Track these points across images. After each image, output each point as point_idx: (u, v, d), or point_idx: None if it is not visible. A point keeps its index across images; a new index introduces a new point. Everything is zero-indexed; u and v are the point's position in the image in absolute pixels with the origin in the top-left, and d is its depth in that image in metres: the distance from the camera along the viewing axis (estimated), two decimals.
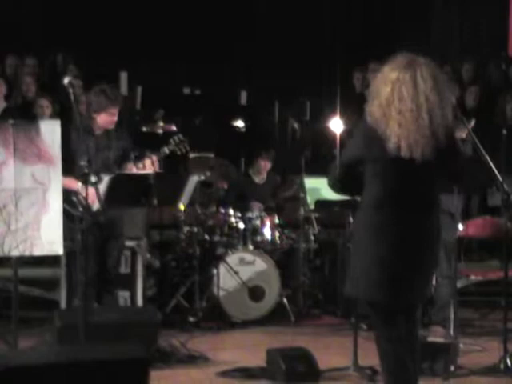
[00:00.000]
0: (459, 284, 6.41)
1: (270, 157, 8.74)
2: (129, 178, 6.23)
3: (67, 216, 5.76)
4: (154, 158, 6.46)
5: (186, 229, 7.74)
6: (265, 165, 8.74)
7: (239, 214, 7.81)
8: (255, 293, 7.44)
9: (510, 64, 10.35)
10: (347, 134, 7.31)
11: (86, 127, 6.41)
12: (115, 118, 6.47)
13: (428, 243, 4.29)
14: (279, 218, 7.97)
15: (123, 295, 6.92)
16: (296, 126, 9.39)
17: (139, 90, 10.64)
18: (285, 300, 7.55)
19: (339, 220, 7.88)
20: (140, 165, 6.41)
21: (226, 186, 8.44)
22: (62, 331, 5.60)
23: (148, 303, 7.11)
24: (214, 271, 7.41)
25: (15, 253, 5.61)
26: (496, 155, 5.72)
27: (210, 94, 11.12)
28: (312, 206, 7.86)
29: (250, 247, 7.67)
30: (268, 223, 7.83)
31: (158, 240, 7.96)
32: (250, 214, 7.83)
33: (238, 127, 9.82)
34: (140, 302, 6.98)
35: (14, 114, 8.29)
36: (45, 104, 8.75)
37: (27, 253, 5.64)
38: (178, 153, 6.67)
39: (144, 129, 7.23)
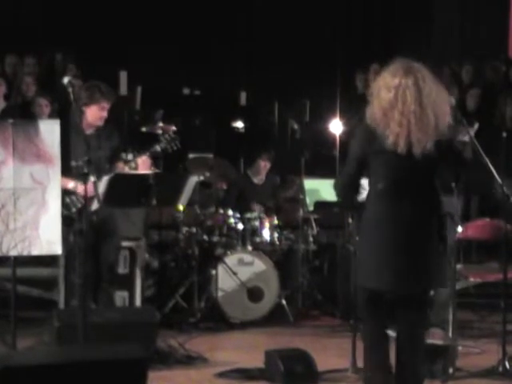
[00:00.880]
0: (458, 286, 6.40)
1: (270, 157, 8.73)
2: (128, 178, 6.22)
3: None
4: (144, 157, 6.41)
5: (184, 229, 7.74)
6: (264, 165, 8.73)
7: (238, 215, 7.81)
8: (254, 293, 7.44)
9: (510, 66, 10.36)
10: (347, 135, 7.31)
11: (75, 127, 6.35)
12: (105, 114, 6.38)
13: (426, 234, 4.44)
14: (278, 219, 7.96)
15: (122, 295, 6.91)
16: (296, 126, 9.39)
17: (139, 90, 10.63)
18: (283, 301, 7.54)
19: (338, 221, 7.89)
20: (133, 164, 6.37)
21: (225, 187, 8.43)
22: (60, 331, 5.59)
23: (146, 303, 7.10)
24: (213, 272, 7.40)
25: (14, 252, 5.60)
26: (495, 157, 5.72)
27: (209, 95, 11.12)
28: (311, 207, 7.87)
29: (249, 248, 7.66)
30: (267, 224, 7.82)
31: (157, 240, 7.95)
32: (249, 215, 7.83)
33: (237, 128, 9.82)
34: (138, 302, 6.97)
35: (13, 114, 8.29)
36: (44, 103, 8.75)
37: (26, 252, 5.63)
38: (170, 151, 6.61)
39: (143, 129, 7.21)
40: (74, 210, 6.11)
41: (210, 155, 8.00)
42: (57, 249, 5.67)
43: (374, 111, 4.42)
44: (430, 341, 6.21)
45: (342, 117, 8.62)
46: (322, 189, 7.79)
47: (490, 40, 11.59)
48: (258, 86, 11.42)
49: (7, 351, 5.66)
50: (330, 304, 7.67)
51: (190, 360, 5.96)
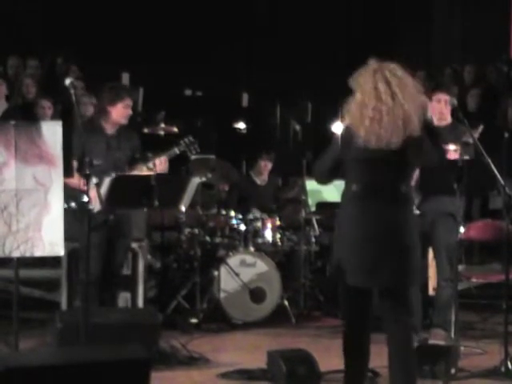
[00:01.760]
0: (460, 287, 6.40)
1: (270, 157, 8.74)
2: (130, 179, 6.23)
3: (75, 215, 5.76)
4: (163, 157, 6.45)
5: (187, 230, 7.75)
6: (265, 165, 8.75)
7: (240, 216, 7.82)
8: (256, 294, 7.44)
9: (511, 66, 10.36)
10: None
11: (97, 127, 6.41)
12: (130, 111, 6.45)
13: (397, 231, 4.52)
14: (280, 220, 7.97)
15: (124, 296, 6.92)
16: (297, 128, 9.38)
17: (141, 91, 10.64)
18: (286, 302, 7.55)
19: None
20: (151, 165, 6.39)
21: (227, 188, 8.44)
22: (62, 332, 5.60)
23: (149, 304, 7.11)
24: (215, 273, 7.41)
25: (16, 254, 5.61)
26: (497, 158, 5.72)
27: (211, 96, 11.12)
28: (313, 208, 7.87)
29: (251, 249, 7.67)
30: (269, 225, 7.83)
31: (159, 241, 7.95)
32: (251, 216, 7.83)
33: (239, 129, 9.81)
34: (141, 303, 6.98)
35: (15, 115, 8.30)
36: (46, 105, 8.76)
37: (28, 254, 5.63)
38: (189, 154, 6.69)
39: (145, 130, 7.22)
40: (91, 207, 6.06)
41: (212, 156, 7.99)
42: (59, 250, 5.68)
43: (351, 110, 4.54)
44: (432, 341, 6.23)
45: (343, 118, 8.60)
46: (323, 190, 7.78)
47: (492, 41, 11.59)
48: (259, 87, 11.42)
49: (10, 352, 5.67)
50: (332, 305, 7.67)
51: (192, 361, 5.96)
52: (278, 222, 7.91)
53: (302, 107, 10.90)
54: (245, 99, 11.51)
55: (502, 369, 5.57)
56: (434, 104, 6.57)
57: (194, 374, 5.73)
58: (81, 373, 4.05)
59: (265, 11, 12.98)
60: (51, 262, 7.00)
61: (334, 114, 8.32)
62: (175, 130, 7.12)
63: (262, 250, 7.71)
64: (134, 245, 6.93)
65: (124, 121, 6.46)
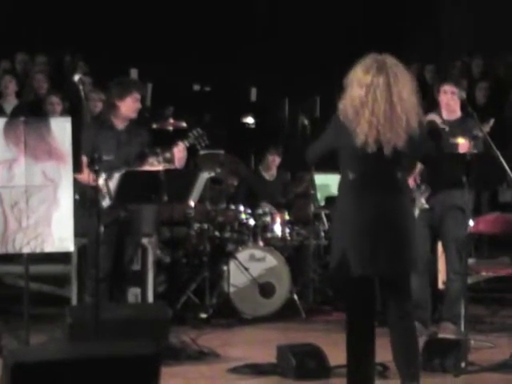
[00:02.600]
0: (470, 280, 6.39)
1: (278, 152, 8.73)
2: (139, 174, 6.24)
3: (85, 210, 5.78)
4: (181, 146, 6.40)
5: (196, 225, 7.76)
6: (273, 159, 8.74)
7: (249, 211, 7.82)
8: (265, 289, 7.45)
9: None
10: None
11: (106, 123, 6.41)
12: (139, 105, 6.43)
13: (395, 219, 4.53)
14: (289, 215, 7.97)
15: (134, 292, 6.93)
16: (306, 122, 9.37)
17: (149, 86, 10.64)
18: (295, 296, 7.55)
19: None
20: (168, 154, 6.35)
21: (236, 183, 8.44)
22: (72, 328, 5.61)
23: (158, 300, 7.12)
24: (225, 268, 7.42)
25: (26, 249, 5.63)
26: (506, 151, 5.71)
27: (220, 91, 11.11)
28: (322, 203, 7.87)
29: (261, 244, 7.67)
30: (278, 220, 7.83)
31: (169, 236, 7.96)
32: (260, 211, 7.83)
33: (248, 124, 9.81)
34: (150, 298, 6.99)
35: (24, 112, 8.32)
36: (55, 101, 8.77)
37: (38, 249, 5.66)
38: (198, 147, 6.66)
39: (154, 126, 7.22)
40: (103, 203, 6.06)
41: (221, 151, 8.00)
42: (69, 246, 5.70)
43: (345, 107, 4.50)
44: (441, 335, 6.22)
45: None
46: (332, 184, 7.77)
47: (500, 35, 11.55)
48: (268, 81, 11.41)
49: (20, 347, 5.69)
50: (340, 299, 7.66)
51: (202, 356, 5.97)
52: (287, 217, 7.91)
53: (310, 102, 10.89)
54: (253, 94, 11.51)
55: None
56: (441, 96, 6.57)
57: (203, 369, 5.73)
58: (91, 368, 4.06)
59: (274, 7, 12.97)
60: (61, 257, 7.02)
61: None
62: (184, 125, 7.12)
63: (271, 244, 7.72)
64: (144, 240, 6.94)
65: (133, 115, 6.45)
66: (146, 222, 6.88)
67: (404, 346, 4.58)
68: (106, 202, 5.96)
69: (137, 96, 6.41)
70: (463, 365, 5.49)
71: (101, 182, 5.46)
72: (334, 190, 7.71)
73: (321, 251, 8.10)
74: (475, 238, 7.17)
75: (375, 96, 4.43)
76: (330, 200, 7.77)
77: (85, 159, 6.05)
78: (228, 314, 7.30)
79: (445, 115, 6.58)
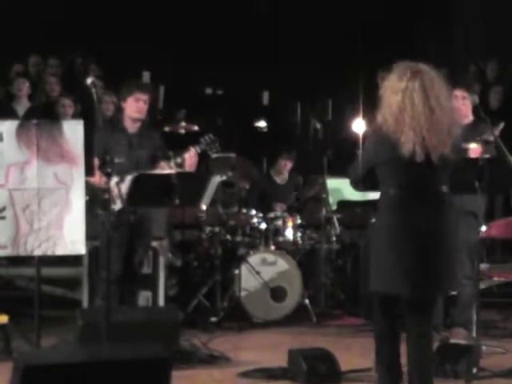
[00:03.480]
0: (482, 285, 6.37)
1: (291, 156, 8.73)
2: (151, 177, 6.24)
3: (94, 213, 5.79)
4: (192, 151, 6.40)
5: (207, 229, 7.76)
6: (285, 164, 8.73)
7: (261, 215, 7.81)
8: (277, 293, 7.44)
9: None
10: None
11: (118, 126, 6.42)
12: (141, 105, 6.41)
13: (440, 238, 4.43)
14: (301, 219, 7.96)
15: (145, 295, 6.93)
16: (318, 126, 9.36)
17: (162, 89, 10.65)
18: (306, 300, 7.54)
19: (361, 220, 7.86)
20: (179, 159, 6.35)
21: (247, 186, 8.43)
22: (83, 330, 5.61)
23: (170, 303, 7.11)
24: (236, 271, 7.41)
25: (38, 252, 5.64)
26: None
27: (232, 94, 11.12)
28: (334, 207, 7.85)
29: (272, 247, 7.66)
30: (290, 223, 7.82)
31: (180, 240, 7.96)
32: (271, 215, 7.82)
33: (260, 127, 9.80)
34: (162, 301, 6.99)
35: (37, 114, 8.34)
36: (67, 103, 8.80)
37: (50, 252, 5.66)
38: (209, 153, 6.65)
39: (166, 128, 7.23)
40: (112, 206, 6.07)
41: (233, 155, 7.99)
42: (80, 248, 5.70)
43: (385, 116, 4.39)
44: (453, 340, 6.20)
45: (364, 116, 8.58)
46: (344, 188, 7.75)
47: None
48: (280, 85, 11.40)
49: (31, 350, 5.70)
50: (353, 304, 7.65)
51: (212, 359, 5.96)
52: (298, 221, 7.90)
53: (322, 105, 10.87)
54: (265, 97, 11.50)
55: None
56: (452, 101, 6.54)
57: (214, 373, 5.73)
58: (101, 371, 4.06)
59: (286, 9, 12.96)
60: (72, 260, 7.03)
61: (355, 111, 8.30)
62: (196, 128, 7.12)
63: (283, 248, 7.71)
64: (155, 243, 6.94)
65: (137, 115, 6.43)
66: (157, 225, 6.88)
67: (420, 364, 4.54)
68: (117, 205, 5.96)
69: (139, 96, 6.39)
70: (475, 370, 5.46)
71: (112, 184, 5.45)
72: (345, 194, 7.74)
73: (332, 255, 8.08)
74: (488, 242, 7.14)
75: (412, 100, 4.34)
76: (341, 204, 7.74)
77: (96, 162, 6.05)
78: (239, 318, 7.29)
79: None
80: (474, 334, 5.68)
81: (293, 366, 5.54)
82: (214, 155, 7.12)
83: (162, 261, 7.04)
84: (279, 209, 8.27)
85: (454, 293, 6.80)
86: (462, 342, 6.07)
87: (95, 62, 10.73)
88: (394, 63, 4.49)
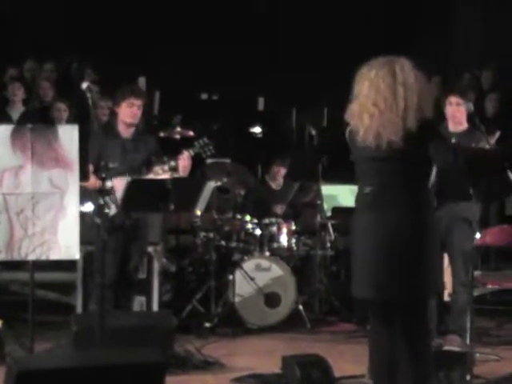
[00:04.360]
0: (476, 292, 6.36)
1: (284, 163, 8.73)
2: (146, 182, 6.24)
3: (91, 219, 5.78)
4: (186, 154, 6.40)
5: (202, 234, 7.76)
6: (278, 170, 8.75)
7: (256, 220, 7.82)
8: (271, 299, 7.44)
9: None
10: None
11: (113, 131, 6.43)
12: (135, 110, 6.41)
13: (413, 240, 4.26)
14: (296, 225, 7.96)
15: (139, 300, 6.93)
16: (313, 132, 9.37)
17: (157, 95, 10.65)
18: (301, 307, 7.54)
19: None
20: (173, 163, 6.34)
21: (242, 192, 8.44)
22: (78, 335, 5.61)
23: (164, 308, 7.11)
24: (230, 277, 7.41)
25: (32, 257, 5.63)
26: None
27: (227, 100, 11.12)
28: (329, 213, 7.85)
29: (267, 253, 7.66)
30: (285, 230, 7.82)
31: (175, 245, 7.96)
32: (266, 221, 7.83)
33: (255, 133, 9.82)
34: (156, 306, 6.99)
35: (32, 118, 8.34)
36: (62, 108, 8.79)
37: (44, 257, 5.65)
38: (203, 156, 6.65)
39: (161, 134, 7.23)
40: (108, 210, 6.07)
41: (228, 161, 8.00)
42: (74, 253, 5.70)
43: (353, 108, 4.31)
44: (447, 347, 6.20)
45: None
46: (339, 194, 7.78)
47: (511, 46, 11.53)
48: (276, 91, 11.41)
49: (25, 355, 5.69)
50: (347, 310, 7.65)
51: (206, 365, 5.96)
52: (293, 227, 7.90)
53: (318, 111, 10.89)
54: (261, 103, 11.51)
55: None
56: (447, 107, 6.56)
57: (208, 379, 5.73)
58: (95, 376, 4.06)
59: (282, 15, 12.98)
60: (67, 265, 7.02)
61: None
62: (191, 133, 7.13)
63: (278, 254, 7.71)
64: (150, 248, 6.94)
65: (130, 120, 6.44)
66: (152, 230, 6.88)
67: (413, 368, 4.37)
68: (111, 210, 5.95)
69: (133, 101, 6.40)
70: (468, 378, 5.46)
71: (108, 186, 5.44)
72: (340, 201, 7.76)
73: (327, 261, 8.08)
74: (482, 250, 7.14)
75: (378, 85, 4.22)
76: (336, 210, 7.75)
77: (91, 167, 6.05)
78: (233, 324, 7.29)
79: (451, 127, 6.57)
80: (468, 342, 5.68)
81: (287, 372, 5.54)
82: (209, 159, 7.12)
83: (156, 266, 7.03)
84: (279, 210, 8.30)
85: (447, 299, 6.83)
86: (456, 349, 6.07)
87: (91, 67, 10.72)
88: None
